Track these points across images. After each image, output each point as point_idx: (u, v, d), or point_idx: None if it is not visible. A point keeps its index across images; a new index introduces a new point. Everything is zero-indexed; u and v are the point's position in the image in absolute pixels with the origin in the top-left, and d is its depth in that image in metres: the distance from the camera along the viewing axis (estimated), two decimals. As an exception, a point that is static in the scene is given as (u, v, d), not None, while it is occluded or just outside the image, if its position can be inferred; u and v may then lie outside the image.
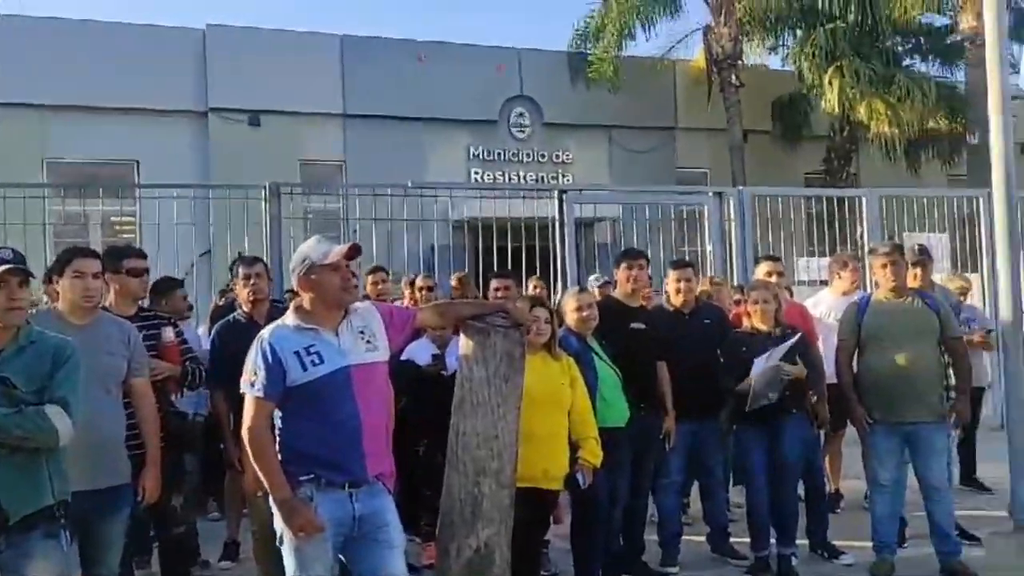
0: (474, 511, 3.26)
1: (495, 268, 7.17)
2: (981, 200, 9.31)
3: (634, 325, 4.64)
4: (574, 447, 3.98)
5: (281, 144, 13.37)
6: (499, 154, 16.29)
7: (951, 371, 4.87)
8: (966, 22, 15.41)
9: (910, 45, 17.95)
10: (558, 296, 6.75)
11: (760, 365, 4.50)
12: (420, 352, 4.87)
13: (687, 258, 6.21)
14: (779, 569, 4.65)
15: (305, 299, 3.04)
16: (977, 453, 6.52)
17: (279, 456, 2.93)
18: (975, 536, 5.05)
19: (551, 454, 3.87)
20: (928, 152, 16.98)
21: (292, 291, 3.91)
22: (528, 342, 3.55)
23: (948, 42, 17.16)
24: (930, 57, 17.84)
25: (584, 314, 4.36)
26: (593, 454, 4.00)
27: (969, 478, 6.51)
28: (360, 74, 14.88)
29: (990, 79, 4.77)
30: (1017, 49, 16.83)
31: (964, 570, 4.59)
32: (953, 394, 4.85)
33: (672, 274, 5.04)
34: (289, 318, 3.04)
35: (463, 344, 3.36)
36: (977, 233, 9.33)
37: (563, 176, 15.63)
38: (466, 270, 7.45)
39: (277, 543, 2.96)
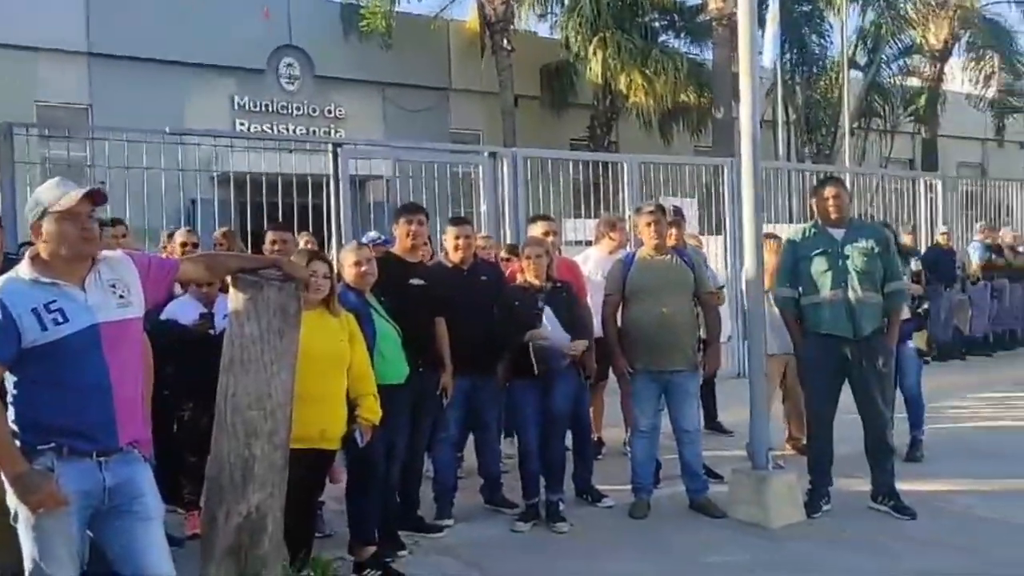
0: (244, 475, 3.09)
1: (265, 226, 6.83)
2: (726, 168, 10.18)
3: (413, 281, 4.60)
4: (352, 405, 3.90)
5: (13, 82, 11.90)
6: (267, 106, 15.55)
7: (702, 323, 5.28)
8: (714, 2, 16.64)
9: (666, 22, 19.12)
10: (333, 254, 6.57)
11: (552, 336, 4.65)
12: (184, 310, 4.54)
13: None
14: (548, 514, 4.85)
15: (42, 249, 2.67)
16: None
17: (12, 426, 2.57)
18: (719, 474, 5.54)
19: (329, 413, 3.76)
20: (679, 124, 18.25)
21: (30, 243, 3.46)
22: (305, 298, 3.40)
23: (698, 20, 18.45)
24: (682, 34, 19.11)
25: (363, 269, 4.26)
26: (372, 412, 3.94)
27: (712, 422, 7.14)
28: (108, 9, 13.52)
29: (741, 57, 5.13)
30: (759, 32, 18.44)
31: (711, 505, 5.03)
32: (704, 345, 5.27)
33: (451, 230, 5.05)
34: (24, 270, 2.63)
35: (233, 299, 3.14)
36: (720, 198, 10.21)
37: (335, 132, 15.20)
38: (231, 226, 7.04)
39: (12, 521, 2.61)
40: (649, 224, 5.11)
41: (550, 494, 4.88)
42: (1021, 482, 5.43)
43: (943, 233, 11.62)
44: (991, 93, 21.69)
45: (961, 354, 11.24)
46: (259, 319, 3.07)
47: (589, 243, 7.86)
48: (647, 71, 16.68)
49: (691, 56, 18.16)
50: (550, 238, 5.27)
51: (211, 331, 4.37)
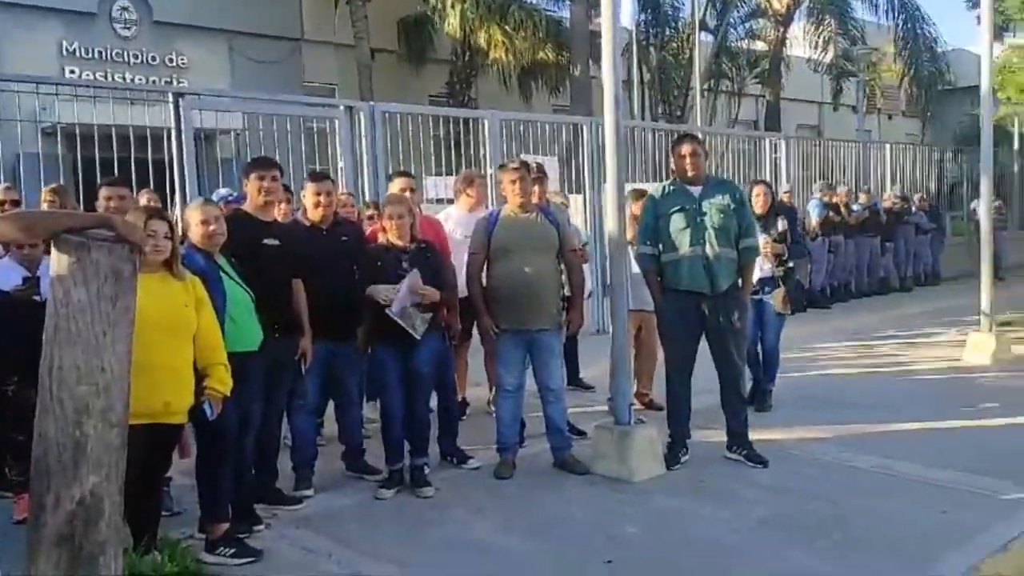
0: (75, 457, 2.79)
1: (99, 182, 6.28)
2: (586, 127, 10.25)
3: (267, 241, 4.30)
4: (200, 375, 3.63)
5: None
6: (100, 52, 14.39)
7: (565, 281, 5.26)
8: (572, -39, 16.64)
9: (525, -23, 18.98)
10: (177, 212, 6.14)
11: (397, 303, 4.48)
12: (5, 275, 4.10)
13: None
14: (412, 480, 4.74)
15: None
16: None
17: None
18: (582, 431, 5.59)
19: (173, 385, 3.48)
20: (538, 81, 18.26)
21: None
22: (144, 260, 3.10)
23: (557, -23, 18.43)
24: (540, -9, 19.05)
25: (211, 228, 3.94)
26: (222, 382, 3.67)
27: (574, 378, 7.22)
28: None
29: (604, 16, 5.08)
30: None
31: (575, 462, 5.06)
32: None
33: (310, 187, 4.78)
34: None
35: (56, 262, 2.80)
36: (580, 157, 10.28)
37: (178, 82, 14.25)
38: (62, 182, 6.43)
39: None
40: (514, 181, 5.01)
41: (415, 458, 4.77)
42: (860, 427, 5.78)
43: (786, 192, 12.17)
44: (829, 58, 22.87)
45: (803, 306, 11.86)
46: (87, 284, 2.75)
47: (451, 201, 7.73)
48: (506, 27, 16.55)
49: (549, 13, 18.15)
50: (408, 195, 5.07)
51: (36, 297, 3.97)
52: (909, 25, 22.48)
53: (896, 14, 22.25)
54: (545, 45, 17.25)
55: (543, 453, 5.23)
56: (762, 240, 6.15)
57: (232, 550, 3.82)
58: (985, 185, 8.18)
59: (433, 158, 9.59)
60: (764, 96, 22.80)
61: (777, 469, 4.98)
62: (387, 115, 8.52)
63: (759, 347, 6.46)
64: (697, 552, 3.88)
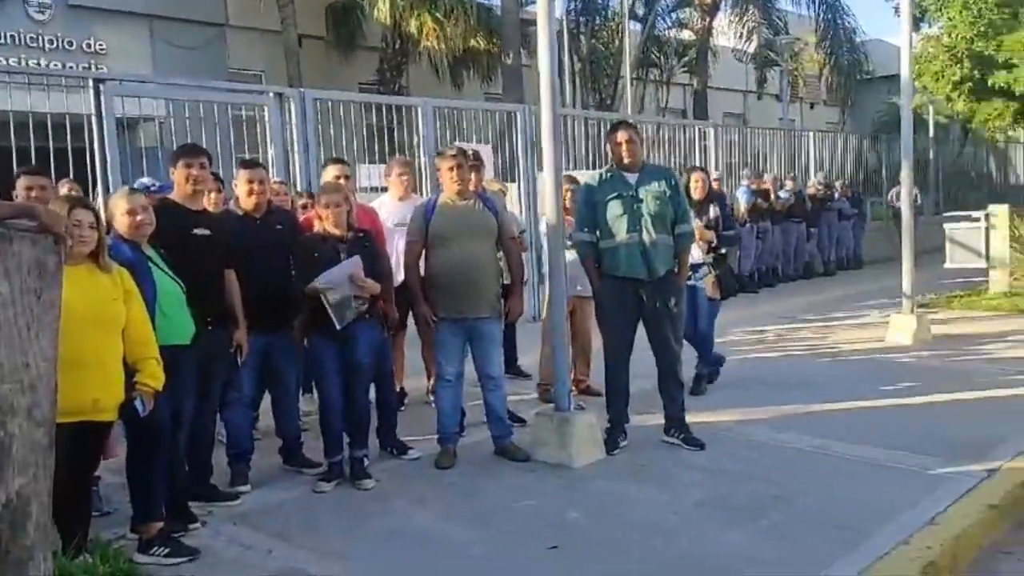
0: (0, 459, 2.66)
1: (14, 172, 6.01)
2: (519, 114, 10.25)
3: (197, 231, 4.18)
4: (131, 370, 3.50)
5: None
6: (12, 37, 13.79)
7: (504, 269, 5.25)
8: (502, -52, 16.57)
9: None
10: (100, 202, 5.93)
11: (326, 278, 4.40)
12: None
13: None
14: (352, 472, 4.68)
15: None
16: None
17: None
18: (522, 418, 5.60)
19: (102, 381, 3.35)
20: (470, 70, 18.16)
21: None
22: (69, 252, 2.96)
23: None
24: (471, -22, 18.93)
25: (138, 218, 3.80)
26: (153, 377, 3.55)
27: (512, 366, 7.22)
28: None
29: (539, 4, 5.06)
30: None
31: (515, 450, 5.06)
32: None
33: (243, 174, 4.66)
34: None
35: (-25, 255, 2.66)
36: (513, 145, 10.27)
37: (97, 68, 13.73)
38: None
39: None
40: (451, 168, 4.97)
41: (354, 450, 4.70)
42: (792, 408, 5.93)
43: (715, 179, 12.37)
44: (753, 48, 23.34)
45: (734, 291, 12.10)
46: (9, 278, 2.61)
47: (385, 189, 7.64)
48: (437, 14, 16.40)
49: (480, 0, 18.05)
50: (343, 182, 4.98)
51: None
52: (829, 16, 23.10)
53: (817, 5, 22.85)
54: (476, 33, 17.16)
55: (484, 441, 5.22)
56: (694, 226, 6.27)
57: (166, 549, 3.71)
58: (906, 172, 8.44)
59: (366, 146, 9.46)
60: (692, 85, 23.15)
61: (714, 451, 5.06)
62: (318, 102, 8.36)
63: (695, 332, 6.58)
64: (638, 535, 3.91)
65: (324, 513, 4.30)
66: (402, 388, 6.24)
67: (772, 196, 13.33)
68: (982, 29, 12.22)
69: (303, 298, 4.50)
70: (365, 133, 9.49)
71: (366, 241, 4.64)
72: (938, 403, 5.99)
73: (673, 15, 22.76)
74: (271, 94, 8.13)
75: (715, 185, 12.19)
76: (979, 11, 12.22)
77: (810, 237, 14.39)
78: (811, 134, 16.95)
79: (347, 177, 5.15)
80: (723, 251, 6.58)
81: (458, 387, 5.08)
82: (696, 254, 6.30)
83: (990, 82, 12.42)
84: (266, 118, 7.99)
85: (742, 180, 13.27)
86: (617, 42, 19.67)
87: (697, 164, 13.33)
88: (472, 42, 17.21)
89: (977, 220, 11.05)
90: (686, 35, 23.17)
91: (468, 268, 4.90)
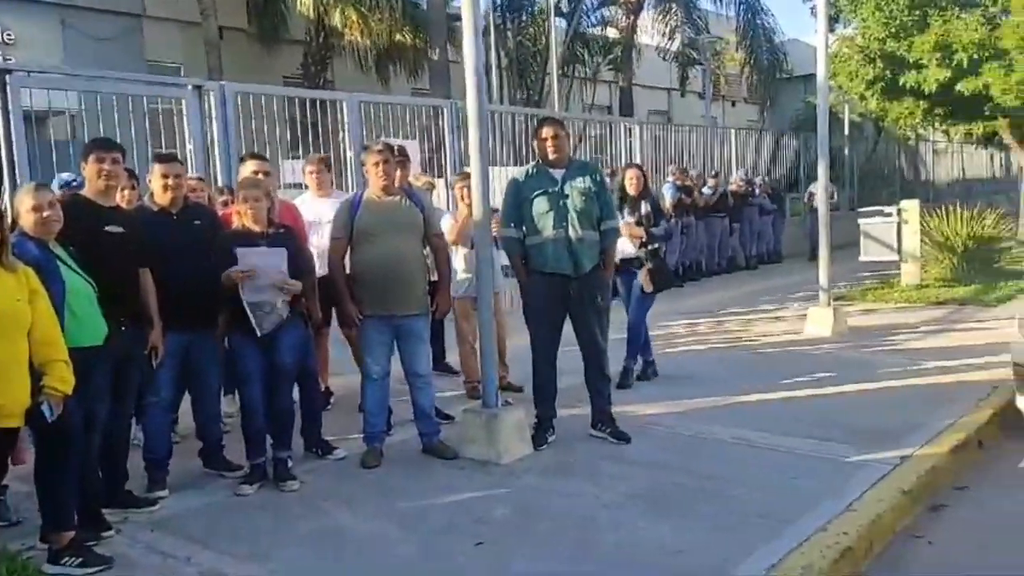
0: None
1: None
2: (446, 110, 10.19)
3: (109, 228, 4.02)
4: (38, 374, 3.35)
5: None
6: (-90, 24, 13.09)
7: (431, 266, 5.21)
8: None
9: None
10: (5, 200, 5.67)
11: (247, 262, 4.31)
12: None
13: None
14: (275, 474, 4.58)
15: None
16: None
17: None
18: (450, 415, 5.57)
19: (6, 386, 3.20)
20: (396, 65, 17.98)
21: None
22: (-33, 250, 2.82)
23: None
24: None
25: (45, 215, 3.64)
26: (62, 380, 3.40)
27: (440, 362, 7.18)
28: None
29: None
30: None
31: (444, 447, 5.03)
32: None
33: (158, 168, 4.50)
34: None
35: None
36: (441, 140, 10.21)
37: (4, 59, 13.14)
38: None
39: None
40: (377, 164, 4.91)
41: (277, 452, 4.60)
42: (715, 400, 6.04)
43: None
44: (675, 46, 23.72)
45: (668, 285, 12.28)
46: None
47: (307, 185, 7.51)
48: (361, 8, 16.18)
49: (406, -5, 17.89)
50: (261, 177, 4.85)
51: None
52: (749, 16, 23.64)
53: (737, 5, 23.37)
54: (403, 27, 17.00)
55: (412, 440, 5.18)
56: (623, 223, 6.36)
57: (78, 559, 3.56)
58: (822, 169, 8.68)
59: (289, 141, 9.27)
60: (618, 82, 23.40)
61: (640, 445, 5.12)
62: (239, 95, 8.15)
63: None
64: (567, 529, 3.93)
65: (246, 517, 4.19)
66: (327, 387, 6.16)
67: (696, 192, 13.58)
68: (894, 30, 12.66)
69: (223, 295, 4.38)
70: (289, 128, 9.29)
71: (287, 237, 4.54)
72: (854, 393, 6.19)
73: (598, 13, 22.96)
74: (190, 87, 7.88)
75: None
76: (891, 13, 12.65)
77: (732, 232, 14.72)
78: (732, 131, 17.31)
79: (267, 173, 5.03)
80: (656, 245, 6.66)
81: (384, 385, 5.02)
82: (630, 249, 6.43)
83: (901, 82, 12.87)
84: (184, 111, 7.74)
85: (668, 176, 13.48)
86: (543, 39, 19.73)
87: (623, 161, 13.53)
88: (398, 37, 17.05)
89: (890, 215, 11.45)
90: (611, 33, 23.40)
91: (394, 265, 4.85)
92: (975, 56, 11.89)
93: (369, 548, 3.80)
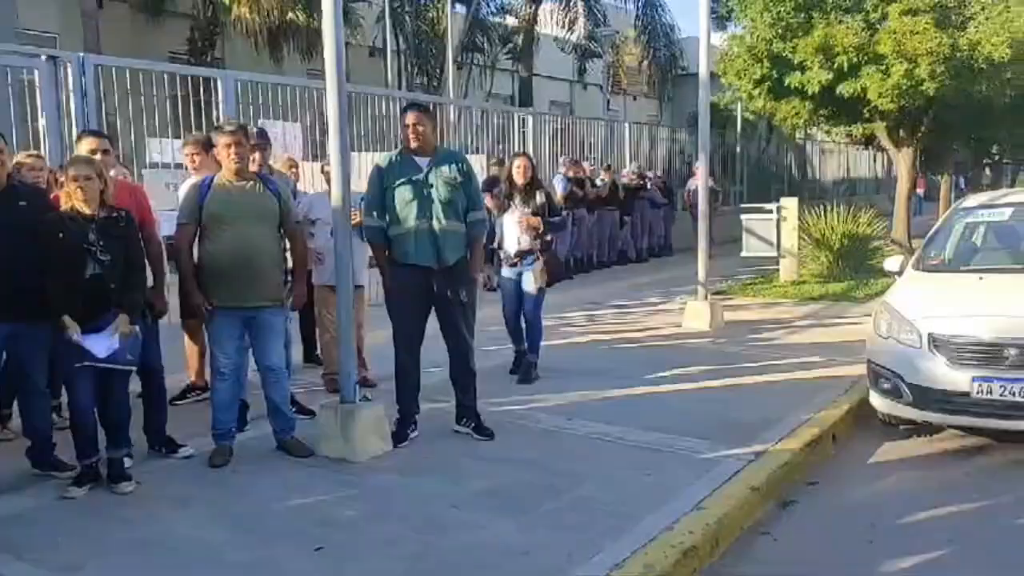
0: None
1: None
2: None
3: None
4: None
5: None
6: None
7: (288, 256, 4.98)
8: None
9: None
10: None
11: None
12: None
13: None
14: (109, 475, 4.29)
15: None
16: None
17: None
18: (311, 410, 5.36)
19: None
20: (289, 44, 17.44)
21: None
22: None
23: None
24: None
25: None
26: None
27: (311, 355, 6.95)
28: None
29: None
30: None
31: (298, 445, 4.82)
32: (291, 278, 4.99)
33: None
34: None
35: None
36: (325, 123, 9.87)
37: None
38: None
39: None
40: (228, 146, 4.64)
41: (111, 451, 4.31)
42: (585, 394, 6.03)
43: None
44: (575, 37, 23.84)
45: (560, 278, 12.28)
46: None
47: (179, 165, 7.13)
48: (250, -18, 15.62)
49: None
50: (99, 156, 4.51)
51: None
52: (648, 12, 23.92)
53: (636, 0, 23.61)
54: (295, 5, 16.48)
55: (268, 436, 4.95)
56: (518, 214, 6.28)
57: None
58: (702, 165, 8.79)
59: (167, 119, 8.74)
60: (517, 71, 23.35)
61: (503, 440, 5.04)
62: (100, 68, 7.67)
63: (522, 320, 6.57)
64: (413, 530, 3.80)
65: (69, 522, 3.90)
66: (194, 382, 5.88)
67: (588, 185, 13.63)
68: (780, 31, 12.93)
69: (51, 286, 4.05)
70: (169, 106, 8.75)
71: (121, 222, 4.21)
72: (720, 387, 6.27)
73: (498, 0, 22.86)
74: (43, 57, 7.37)
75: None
76: (778, 14, 12.91)
77: (624, 225, 14.86)
78: (627, 125, 17.48)
79: (105, 151, 4.67)
80: (549, 238, 6.58)
81: (235, 380, 4.78)
82: (522, 241, 6.33)
83: (787, 82, 13.18)
84: (36, 84, 7.23)
85: (559, 168, 13.48)
86: (442, 24, 19.48)
87: (518, 151, 13.43)
88: (290, 15, 16.52)
89: (770, 212, 11.75)
90: (511, 21, 23.32)
91: (246, 253, 4.60)
92: (855, 60, 12.26)
93: (196, 555, 3.57)
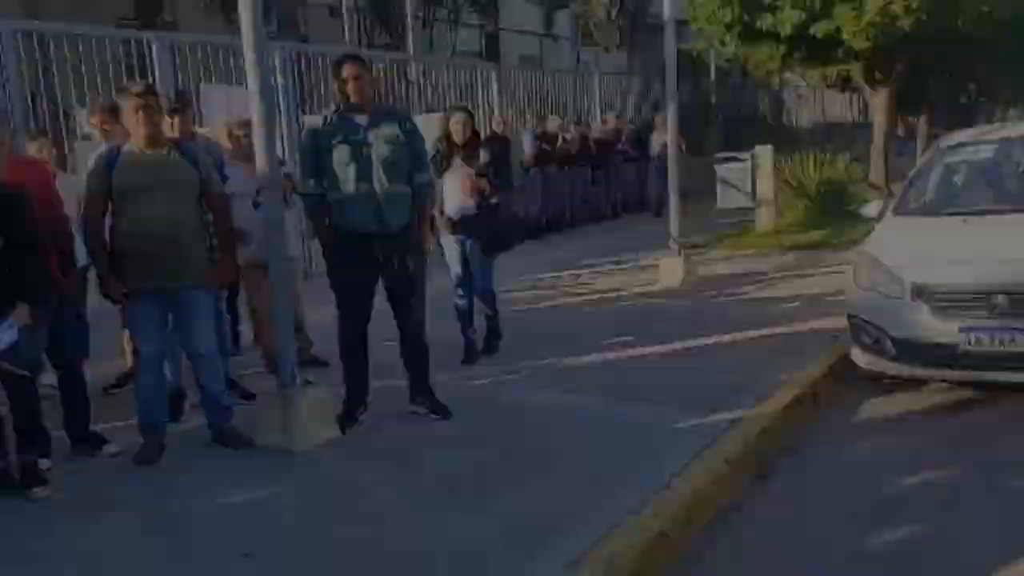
0: None
1: None
2: (277, 54, 9.34)
3: None
4: None
5: None
6: None
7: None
8: None
9: None
10: None
11: None
12: None
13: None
14: (23, 478, 3.89)
15: None
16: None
17: None
18: (253, 394, 4.98)
19: None
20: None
21: None
22: None
23: None
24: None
25: None
26: None
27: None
28: None
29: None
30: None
31: (237, 436, 4.43)
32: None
33: None
34: None
35: None
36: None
37: None
38: None
39: None
40: (137, 110, 4.17)
41: (22, 453, 3.90)
42: (548, 363, 5.68)
43: (498, 122, 12.02)
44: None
45: (509, 244, 11.85)
46: None
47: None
48: (197, -60, 14.85)
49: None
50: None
51: None
52: (613, -42, 23.19)
53: (603, -54, 22.87)
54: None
55: (205, 427, 4.55)
56: (462, 175, 5.70)
57: None
58: (671, 116, 8.36)
59: (91, 87, 8.19)
60: (483, 26, 22.65)
61: (461, 419, 4.67)
62: (20, 34, 7.12)
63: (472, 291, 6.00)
64: (357, 529, 3.43)
65: (-30, 535, 3.52)
66: (132, 368, 5.45)
67: (559, 141, 13.14)
68: (750, -30, 12.42)
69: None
70: (112, 71, 8.12)
71: (12, 200, 3.75)
72: (695, 348, 5.92)
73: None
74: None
75: (499, 129, 11.89)
76: (747, -49, 12.40)
77: (596, 181, 14.39)
78: (597, 76, 16.94)
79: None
80: (495, 200, 5.94)
81: (160, 367, 4.37)
82: (467, 205, 5.76)
83: (758, 24, 12.69)
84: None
85: (526, 124, 12.99)
86: (403, -22, 18.74)
87: (482, 108, 12.93)
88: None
89: (744, 160, 11.34)
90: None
91: (162, 229, 4.16)
92: (827, -2, 11.79)
93: (108, 567, 3.20)
